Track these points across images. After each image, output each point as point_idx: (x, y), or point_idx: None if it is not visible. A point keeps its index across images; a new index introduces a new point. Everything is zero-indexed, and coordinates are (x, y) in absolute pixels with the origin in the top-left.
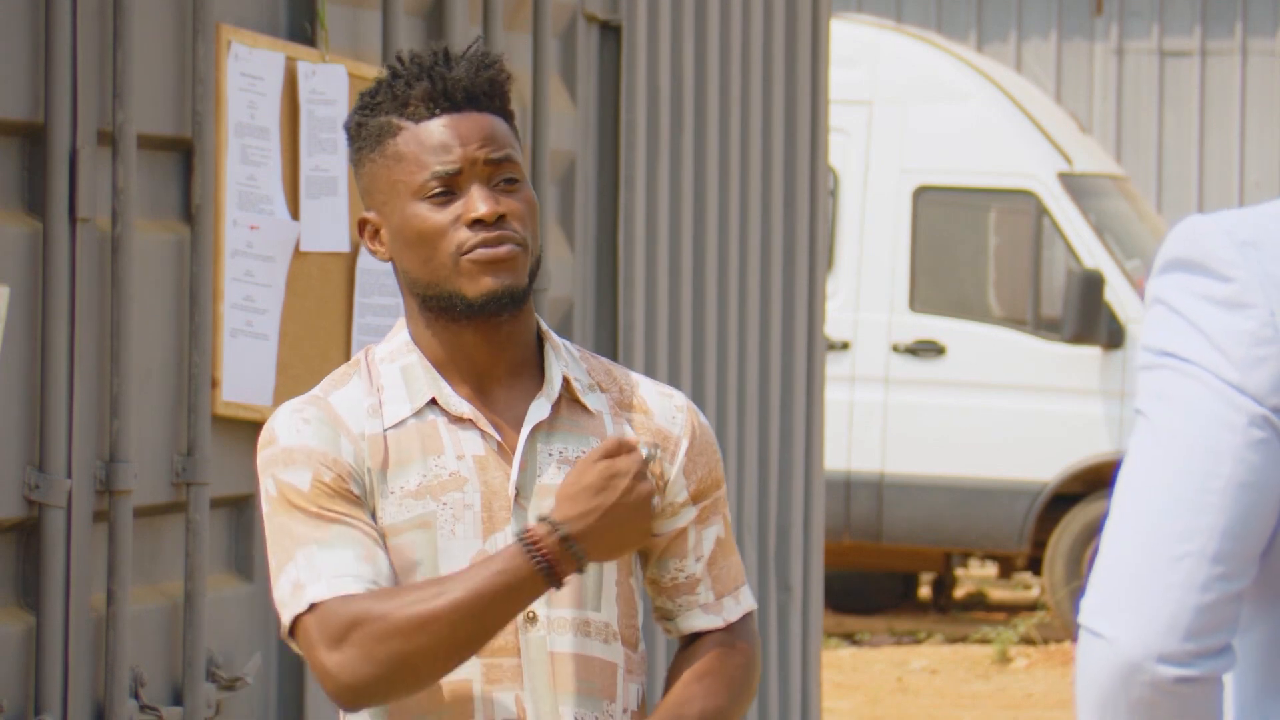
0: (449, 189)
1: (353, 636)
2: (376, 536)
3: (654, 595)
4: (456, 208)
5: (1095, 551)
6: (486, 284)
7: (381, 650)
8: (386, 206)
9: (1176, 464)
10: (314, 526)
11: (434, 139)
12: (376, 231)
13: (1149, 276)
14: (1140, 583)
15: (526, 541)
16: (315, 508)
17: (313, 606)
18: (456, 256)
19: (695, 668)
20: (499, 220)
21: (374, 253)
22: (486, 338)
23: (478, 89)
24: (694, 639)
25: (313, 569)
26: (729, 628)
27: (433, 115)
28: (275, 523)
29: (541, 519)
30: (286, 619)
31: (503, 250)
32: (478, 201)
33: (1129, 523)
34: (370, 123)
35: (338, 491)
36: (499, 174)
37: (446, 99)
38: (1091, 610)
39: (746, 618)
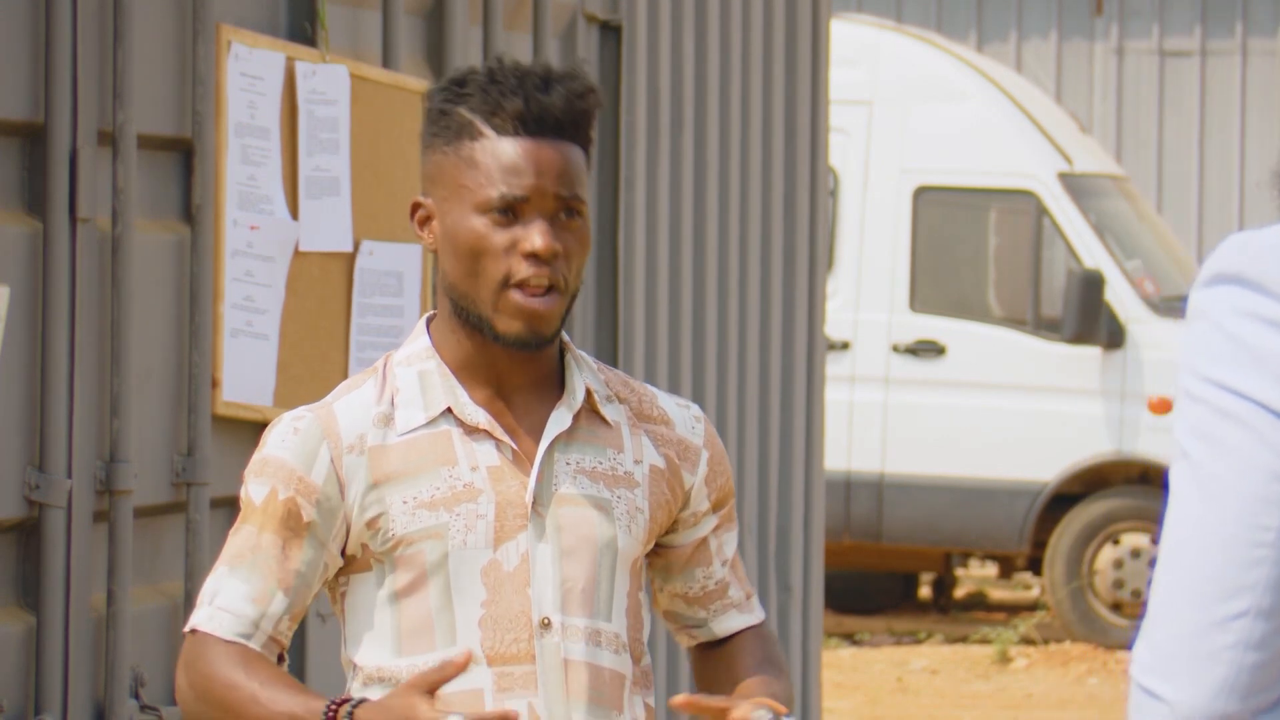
0: (512, 211)
1: (190, 674)
2: (291, 573)
3: (683, 609)
4: (514, 232)
5: (1095, 553)
6: (517, 328)
7: (195, 698)
8: (446, 204)
9: (1224, 516)
10: (241, 546)
11: (511, 159)
12: (428, 219)
13: (1193, 288)
14: (1195, 643)
15: (330, 704)
16: (255, 526)
17: (192, 630)
18: (502, 285)
19: (756, 655)
20: (552, 257)
21: (420, 238)
22: (510, 353)
23: (568, 119)
24: (726, 639)
25: (214, 589)
26: (762, 623)
27: (516, 134)
28: (235, 526)
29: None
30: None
31: (540, 303)
32: (536, 235)
33: (1179, 577)
34: (454, 114)
35: (284, 515)
36: (563, 207)
37: (535, 123)
38: (1146, 669)
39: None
